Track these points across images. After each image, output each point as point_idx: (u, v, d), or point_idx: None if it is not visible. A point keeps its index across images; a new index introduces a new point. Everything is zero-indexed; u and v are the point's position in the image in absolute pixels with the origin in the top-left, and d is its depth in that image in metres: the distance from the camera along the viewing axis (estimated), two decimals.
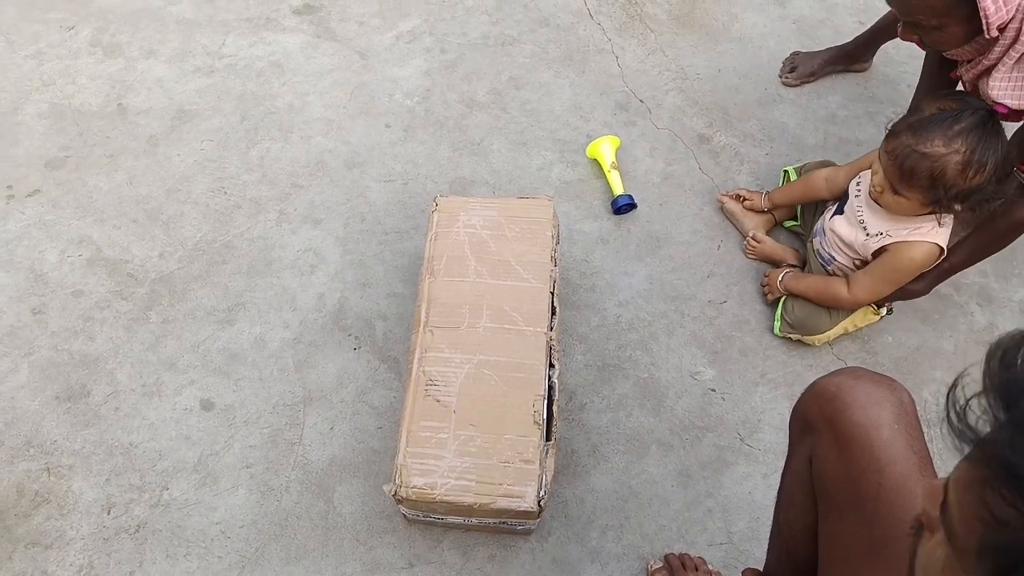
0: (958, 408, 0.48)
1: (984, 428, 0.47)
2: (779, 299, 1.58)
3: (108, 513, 1.38)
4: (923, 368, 1.56)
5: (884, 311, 1.55)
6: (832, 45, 1.95)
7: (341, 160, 1.80)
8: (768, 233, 1.69)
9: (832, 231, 1.50)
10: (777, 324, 1.57)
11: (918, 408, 0.92)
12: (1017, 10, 1.13)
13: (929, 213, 1.34)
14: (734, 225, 1.72)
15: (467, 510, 1.20)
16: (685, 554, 1.33)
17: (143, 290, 1.61)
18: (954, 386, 0.49)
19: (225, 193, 1.75)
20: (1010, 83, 1.23)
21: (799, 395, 1.00)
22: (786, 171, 1.73)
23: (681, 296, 1.64)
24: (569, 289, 1.63)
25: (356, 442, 1.46)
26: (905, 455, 0.85)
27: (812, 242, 1.60)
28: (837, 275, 1.53)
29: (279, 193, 1.75)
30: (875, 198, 1.37)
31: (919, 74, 1.58)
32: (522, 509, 1.17)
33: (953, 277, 1.50)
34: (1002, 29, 1.16)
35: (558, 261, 1.44)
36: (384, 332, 1.57)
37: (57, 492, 1.40)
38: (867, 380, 0.91)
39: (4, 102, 1.87)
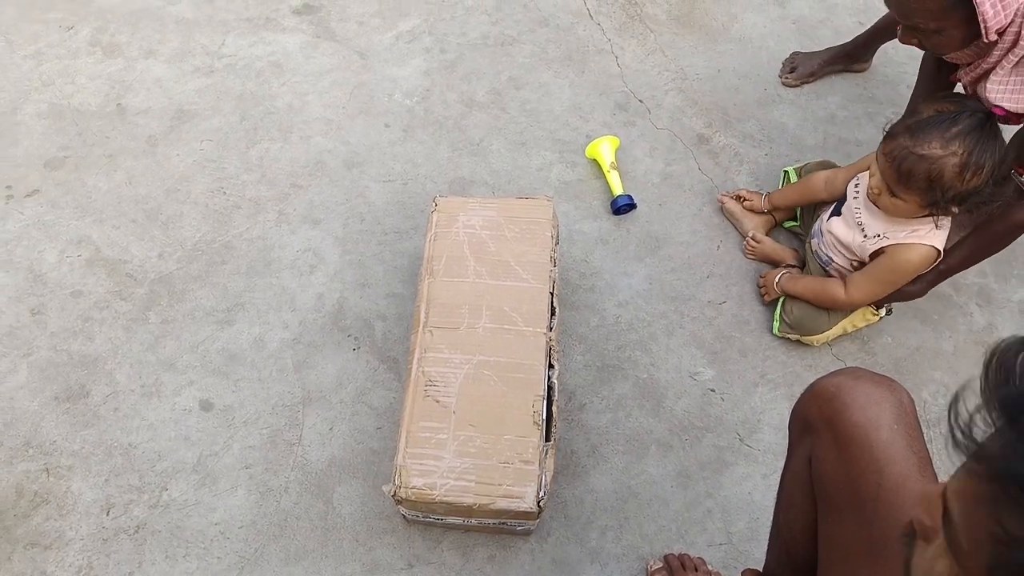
0: (963, 424, 0.47)
1: (991, 443, 0.45)
2: (778, 299, 1.58)
3: (107, 514, 1.38)
4: (922, 368, 1.56)
5: (883, 312, 1.55)
6: (832, 45, 1.95)
7: (340, 160, 1.80)
8: (768, 233, 1.69)
9: (830, 232, 1.50)
10: (776, 324, 1.57)
11: (917, 408, 0.92)
12: (1016, 14, 1.13)
13: (927, 215, 1.34)
14: (734, 225, 1.72)
15: (466, 511, 1.20)
16: (685, 554, 1.33)
17: (142, 290, 1.61)
18: (956, 400, 0.48)
19: (224, 193, 1.75)
20: (1008, 86, 1.23)
21: (799, 395, 1.00)
22: (786, 171, 1.73)
23: (680, 296, 1.64)
24: (568, 289, 1.63)
25: (355, 443, 1.45)
26: (904, 455, 0.85)
27: (811, 243, 1.60)
28: (835, 276, 1.53)
29: (278, 193, 1.75)
30: (873, 200, 1.37)
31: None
32: (521, 510, 1.17)
33: (952, 277, 1.50)
34: (1001, 33, 1.16)
35: (557, 261, 1.44)
36: (383, 332, 1.57)
37: (56, 493, 1.40)
38: (867, 380, 0.91)
39: (3, 102, 1.87)
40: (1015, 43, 1.16)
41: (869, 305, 1.51)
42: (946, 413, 0.48)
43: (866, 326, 1.58)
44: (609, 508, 1.40)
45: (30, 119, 1.84)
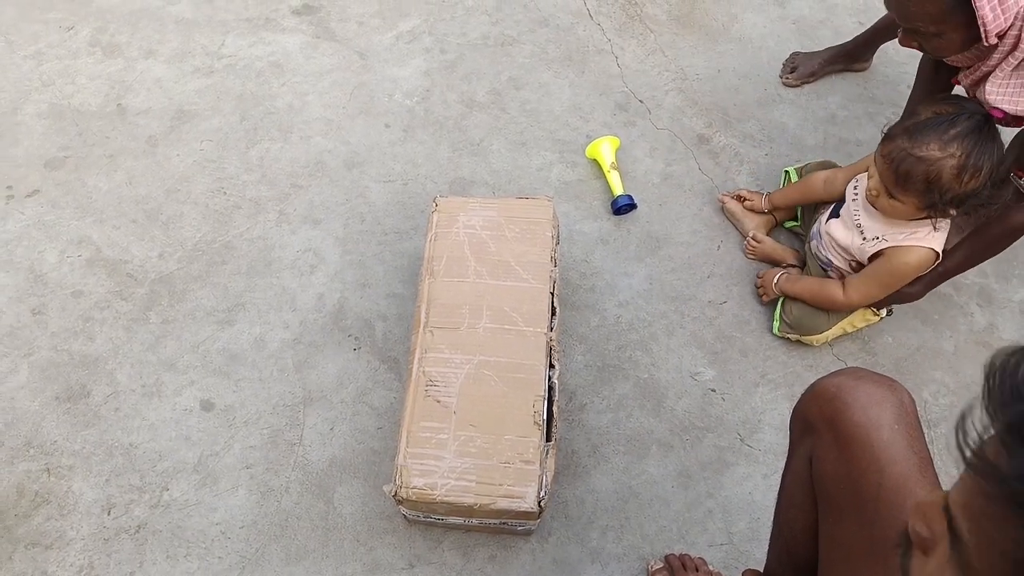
0: (973, 444, 0.45)
1: (1004, 463, 0.44)
2: (777, 299, 1.58)
3: (108, 514, 1.38)
4: (923, 368, 1.56)
5: (884, 312, 1.55)
6: (831, 45, 1.95)
7: (341, 160, 1.80)
8: (768, 233, 1.69)
9: (828, 235, 1.50)
10: (776, 324, 1.57)
11: (918, 409, 0.92)
12: (1016, 17, 1.13)
13: (925, 217, 1.34)
14: (734, 225, 1.72)
15: (467, 511, 1.20)
16: (685, 555, 1.33)
17: (143, 290, 1.61)
18: (963, 419, 0.47)
19: (224, 193, 1.75)
20: (1007, 88, 1.23)
21: (799, 395, 1.00)
22: (787, 171, 1.73)
23: (681, 296, 1.64)
24: (569, 289, 1.63)
25: (356, 443, 1.46)
26: (905, 456, 0.85)
27: (810, 245, 1.60)
28: (834, 277, 1.53)
29: (279, 193, 1.75)
30: (871, 201, 1.37)
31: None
32: (522, 510, 1.17)
33: (953, 278, 1.50)
34: (1001, 36, 1.16)
35: (558, 261, 1.44)
36: (384, 332, 1.57)
37: (57, 492, 1.40)
38: (867, 380, 0.91)
39: (4, 102, 1.87)
40: (1015, 46, 1.16)
41: (868, 307, 1.52)
42: (954, 434, 0.47)
43: (866, 326, 1.58)
44: (610, 508, 1.40)
45: (30, 119, 1.84)
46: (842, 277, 1.51)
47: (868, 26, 1.89)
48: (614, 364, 1.55)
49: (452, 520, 1.27)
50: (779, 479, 1.05)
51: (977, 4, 1.11)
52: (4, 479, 1.41)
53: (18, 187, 1.74)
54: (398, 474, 1.19)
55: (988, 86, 1.23)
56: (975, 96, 1.32)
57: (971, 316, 1.63)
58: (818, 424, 0.93)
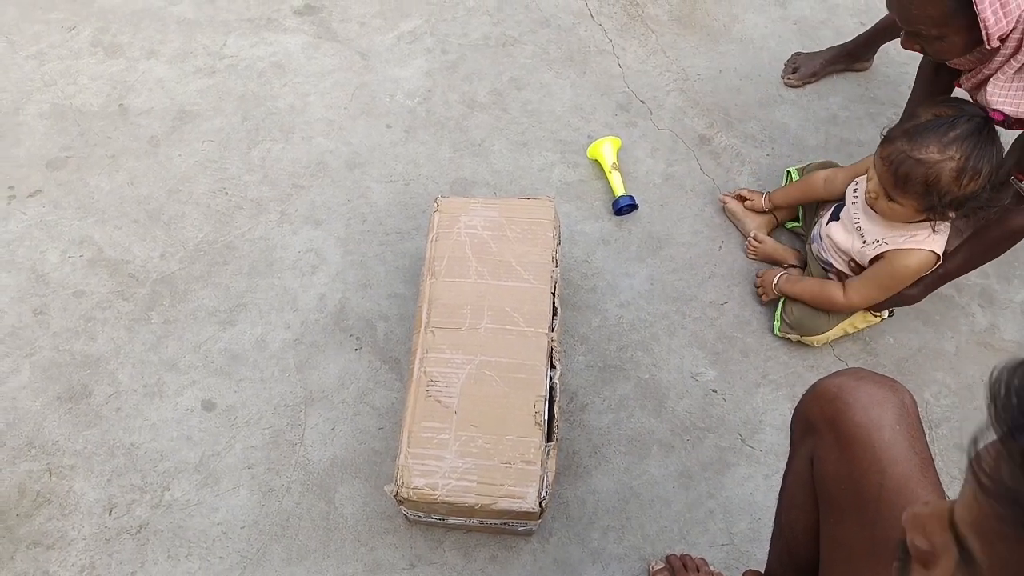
0: (988, 468, 0.44)
1: (1020, 486, 0.43)
2: (777, 299, 1.58)
3: (110, 514, 1.38)
4: (925, 369, 1.56)
5: (885, 313, 1.55)
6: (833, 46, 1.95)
7: (342, 161, 1.80)
8: (770, 234, 1.69)
9: (829, 238, 1.50)
10: (777, 324, 1.57)
11: (920, 409, 0.92)
12: (1018, 21, 1.13)
13: (924, 220, 1.33)
14: (735, 226, 1.72)
15: (468, 511, 1.20)
16: (687, 555, 1.33)
17: (144, 291, 1.62)
18: (974, 442, 0.44)
19: (226, 194, 1.75)
20: (1009, 91, 1.22)
21: (800, 396, 1.00)
22: (789, 172, 1.73)
23: (682, 297, 1.64)
24: (570, 290, 1.63)
25: (357, 443, 1.46)
26: (907, 456, 0.85)
27: (811, 247, 1.59)
28: (833, 279, 1.53)
29: (280, 194, 1.75)
30: (870, 204, 1.37)
31: None
32: (523, 510, 1.17)
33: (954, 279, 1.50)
34: (1003, 39, 1.16)
35: (559, 262, 1.44)
36: (385, 333, 1.57)
37: (59, 492, 1.40)
38: (869, 381, 0.91)
39: (5, 102, 1.87)
40: (1017, 50, 1.16)
41: (868, 309, 1.51)
42: (968, 459, 0.45)
43: (867, 327, 1.58)
44: (611, 508, 1.40)
45: (32, 119, 1.84)
46: (842, 279, 1.51)
47: (869, 26, 1.89)
48: (615, 364, 1.55)
49: (453, 520, 1.27)
50: (780, 479, 1.05)
51: (979, 7, 1.11)
52: (6, 479, 1.41)
53: (20, 187, 1.74)
54: (399, 474, 1.19)
55: (989, 88, 1.23)
56: (976, 100, 1.32)
57: (972, 317, 1.63)
58: (819, 424, 0.93)
